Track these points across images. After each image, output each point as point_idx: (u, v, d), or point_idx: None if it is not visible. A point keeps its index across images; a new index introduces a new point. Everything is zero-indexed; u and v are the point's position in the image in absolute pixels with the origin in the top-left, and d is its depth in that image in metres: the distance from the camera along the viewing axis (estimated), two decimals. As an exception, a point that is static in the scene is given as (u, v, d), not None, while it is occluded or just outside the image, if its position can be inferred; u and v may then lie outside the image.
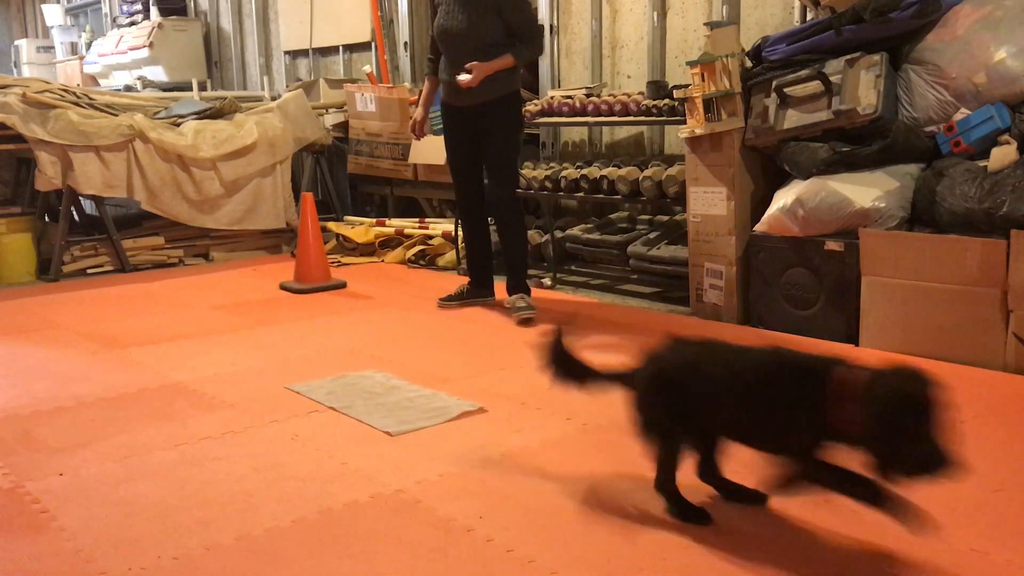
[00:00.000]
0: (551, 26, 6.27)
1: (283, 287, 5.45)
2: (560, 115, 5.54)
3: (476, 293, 4.74)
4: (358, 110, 6.97)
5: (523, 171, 5.69)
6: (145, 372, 3.75)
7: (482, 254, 4.75)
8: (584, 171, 5.23)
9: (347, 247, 6.52)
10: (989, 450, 2.69)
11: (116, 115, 6.22)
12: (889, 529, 2.20)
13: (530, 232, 5.73)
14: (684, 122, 4.44)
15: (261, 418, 3.13)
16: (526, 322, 4.34)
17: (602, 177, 5.13)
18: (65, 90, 6.44)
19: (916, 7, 3.82)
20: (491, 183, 4.57)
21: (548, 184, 5.42)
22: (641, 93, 5.28)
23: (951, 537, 2.16)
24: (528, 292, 4.58)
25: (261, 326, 4.51)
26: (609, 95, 5.45)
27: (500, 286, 4.76)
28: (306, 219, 5.47)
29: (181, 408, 3.27)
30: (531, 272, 5.61)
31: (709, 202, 4.35)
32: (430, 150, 6.35)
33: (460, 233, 5.89)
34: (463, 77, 4.22)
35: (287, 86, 8.47)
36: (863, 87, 3.87)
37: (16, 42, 13.39)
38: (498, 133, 4.47)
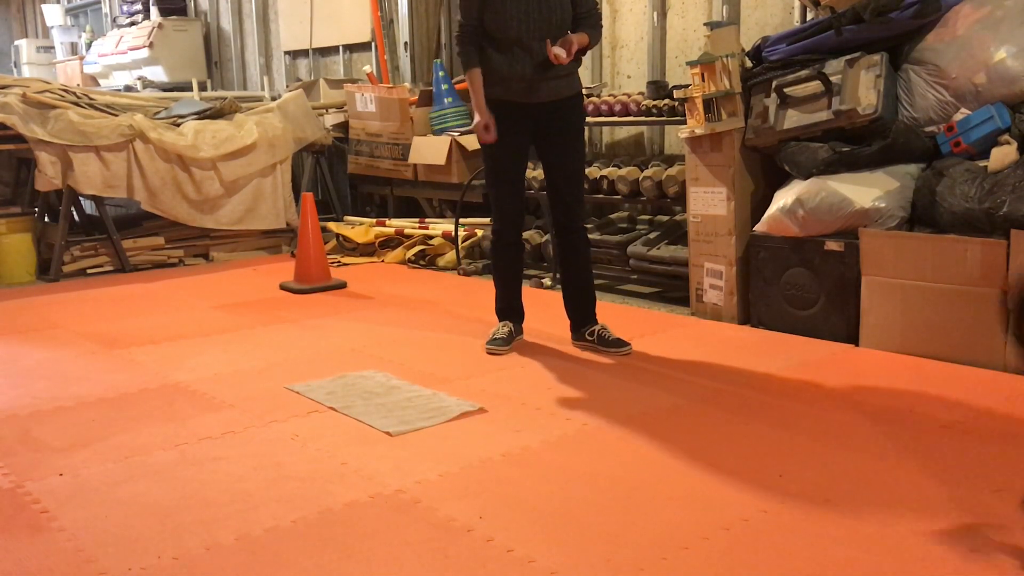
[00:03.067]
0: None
1: (283, 287, 5.45)
2: (560, 115, 5.53)
3: (521, 330, 4.11)
4: (358, 110, 6.97)
5: (523, 171, 5.69)
6: (145, 372, 3.75)
7: (519, 286, 4.10)
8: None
9: (347, 247, 6.52)
10: (989, 451, 2.69)
11: (116, 115, 6.22)
12: (890, 529, 2.21)
13: (530, 232, 5.73)
14: (684, 122, 4.44)
15: (261, 418, 3.13)
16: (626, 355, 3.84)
17: (602, 177, 5.13)
18: (65, 90, 6.45)
19: (916, 7, 3.82)
20: (566, 199, 3.88)
21: (548, 184, 5.42)
22: (641, 93, 5.29)
23: (952, 537, 2.16)
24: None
25: (261, 326, 4.51)
26: (609, 95, 5.45)
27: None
28: (306, 219, 5.47)
29: (181, 408, 3.27)
30: (531, 272, 5.62)
31: (709, 202, 4.35)
32: (430, 150, 6.35)
33: (457, 235, 5.89)
34: (558, 50, 3.57)
35: (287, 86, 8.47)
36: (863, 87, 3.87)
37: (16, 42, 13.39)
38: (577, 137, 3.87)
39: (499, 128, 3.75)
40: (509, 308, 4.06)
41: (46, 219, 6.52)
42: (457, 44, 3.82)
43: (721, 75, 4.20)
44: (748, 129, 4.20)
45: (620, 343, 3.84)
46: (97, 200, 6.15)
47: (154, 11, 10.08)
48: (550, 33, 3.64)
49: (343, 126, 7.29)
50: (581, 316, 3.97)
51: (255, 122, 6.61)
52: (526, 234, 5.68)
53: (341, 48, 8.38)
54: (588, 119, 5.44)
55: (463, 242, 5.91)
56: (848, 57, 3.95)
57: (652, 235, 5.13)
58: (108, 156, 6.04)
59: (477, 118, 3.78)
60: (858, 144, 3.90)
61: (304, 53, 8.85)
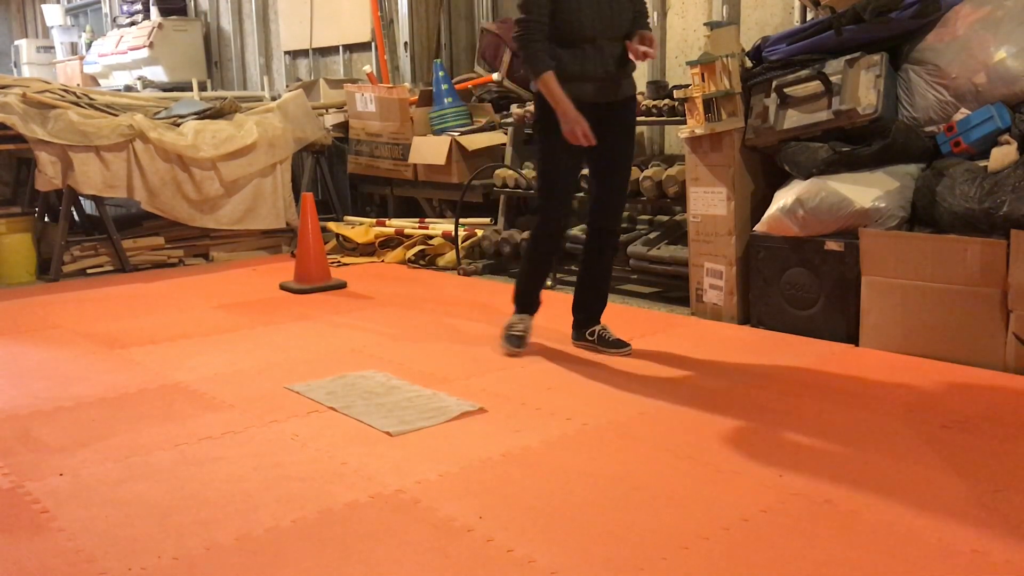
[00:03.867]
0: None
1: (283, 287, 5.45)
2: (560, 115, 5.53)
3: (531, 327, 3.98)
4: (358, 110, 6.97)
5: (523, 171, 5.69)
6: (145, 372, 3.75)
7: (545, 279, 4.05)
8: (584, 171, 5.23)
9: (347, 247, 6.52)
10: (989, 450, 2.69)
11: (116, 115, 6.22)
12: (890, 529, 2.21)
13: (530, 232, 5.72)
14: (684, 122, 4.44)
15: (261, 418, 3.13)
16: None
17: (602, 177, 5.12)
18: (65, 90, 6.44)
19: (916, 7, 3.82)
20: (612, 200, 3.83)
21: (548, 184, 5.41)
22: (641, 93, 5.28)
23: (951, 537, 2.16)
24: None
25: (261, 326, 4.51)
26: (609, 95, 5.44)
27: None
28: (306, 219, 5.47)
29: (181, 408, 3.27)
30: (531, 272, 5.61)
31: (709, 202, 4.35)
32: (430, 150, 6.35)
33: (457, 235, 5.89)
34: (648, 49, 3.53)
35: (287, 86, 8.47)
36: (863, 87, 3.87)
37: (16, 42, 13.40)
38: (632, 139, 3.83)
39: (562, 128, 3.54)
40: (533, 298, 3.94)
41: (46, 219, 6.52)
42: (523, 44, 3.53)
43: (721, 75, 4.20)
44: (748, 129, 4.20)
45: (620, 343, 3.83)
46: (97, 200, 6.15)
47: (154, 11, 10.08)
48: (618, 31, 3.59)
49: (343, 126, 7.29)
50: (587, 316, 3.96)
51: (255, 122, 6.61)
52: (526, 234, 5.68)
53: (341, 48, 8.38)
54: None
55: (463, 242, 5.91)
56: (848, 57, 3.95)
57: (652, 235, 5.13)
58: (108, 156, 6.03)
59: (565, 124, 3.51)
60: (858, 144, 3.90)
61: (304, 53, 8.85)
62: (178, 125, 6.46)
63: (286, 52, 9.10)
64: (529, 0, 3.53)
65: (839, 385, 3.33)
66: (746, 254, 4.26)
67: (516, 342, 3.87)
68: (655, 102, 5.01)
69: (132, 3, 10.74)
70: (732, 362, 3.66)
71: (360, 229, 6.55)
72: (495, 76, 6.75)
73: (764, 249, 4.15)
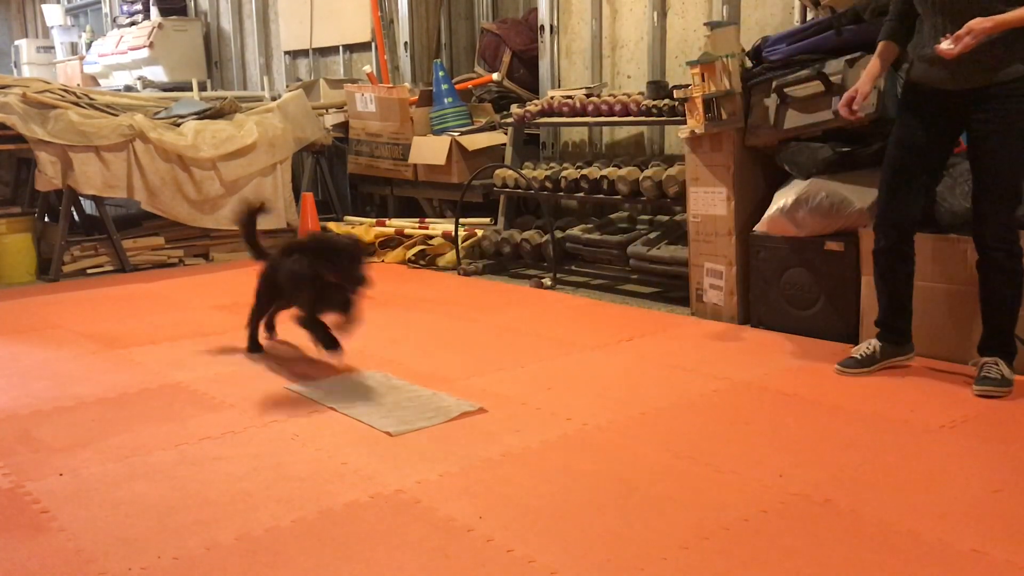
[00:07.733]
0: (551, 26, 6.27)
1: (283, 287, 5.44)
2: (560, 115, 5.54)
3: (894, 351, 3.49)
4: (358, 110, 6.97)
5: (523, 171, 5.69)
6: (145, 372, 3.75)
7: (907, 294, 3.45)
8: (584, 171, 5.24)
9: (347, 247, 6.51)
10: (989, 450, 2.69)
11: (116, 115, 6.22)
12: (890, 529, 2.21)
13: (530, 232, 5.73)
14: (684, 122, 4.44)
15: (261, 418, 3.13)
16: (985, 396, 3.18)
17: (602, 177, 5.13)
18: (65, 90, 6.44)
19: (916, 7, 3.81)
20: (985, 206, 3.17)
21: (548, 184, 5.42)
22: (641, 93, 5.28)
23: (951, 537, 2.16)
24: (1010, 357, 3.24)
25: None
26: (609, 95, 5.45)
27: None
28: (306, 219, 5.47)
29: (181, 408, 3.27)
30: (531, 272, 5.62)
31: (709, 202, 4.35)
32: (430, 150, 6.35)
33: (457, 235, 5.88)
34: (945, 45, 2.95)
35: (287, 86, 8.47)
36: (863, 87, 3.86)
37: (16, 42, 13.39)
38: (1004, 136, 3.06)
39: (911, 109, 3.35)
40: (892, 312, 3.46)
41: (46, 219, 6.52)
42: None
43: (721, 75, 4.20)
44: (748, 129, 4.20)
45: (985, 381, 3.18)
46: (97, 200, 6.15)
47: (154, 11, 10.08)
48: (985, 8, 3.02)
49: (343, 126, 7.29)
50: (982, 339, 3.29)
51: (255, 122, 6.61)
52: (526, 234, 5.69)
53: (341, 48, 8.38)
54: (588, 119, 5.44)
55: (463, 242, 5.91)
56: (848, 57, 3.94)
57: (652, 235, 5.13)
58: (108, 156, 6.03)
59: None
60: (858, 144, 3.90)
61: (304, 53, 8.85)
62: (178, 125, 6.46)
63: (286, 52, 9.10)
64: None
65: (839, 385, 3.33)
66: (746, 254, 4.26)
67: (849, 363, 3.47)
68: (655, 102, 5.01)
69: (132, 3, 10.73)
70: (732, 362, 3.66)
71: (360, 229, 6.54)
72: (495, 76, 6.75)
73: (764, 249, 4.15)
